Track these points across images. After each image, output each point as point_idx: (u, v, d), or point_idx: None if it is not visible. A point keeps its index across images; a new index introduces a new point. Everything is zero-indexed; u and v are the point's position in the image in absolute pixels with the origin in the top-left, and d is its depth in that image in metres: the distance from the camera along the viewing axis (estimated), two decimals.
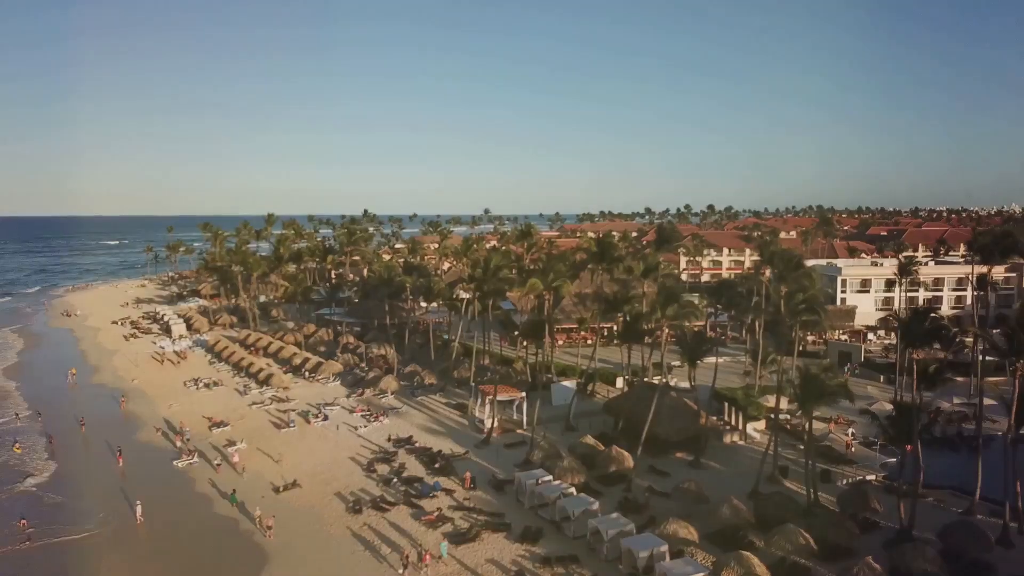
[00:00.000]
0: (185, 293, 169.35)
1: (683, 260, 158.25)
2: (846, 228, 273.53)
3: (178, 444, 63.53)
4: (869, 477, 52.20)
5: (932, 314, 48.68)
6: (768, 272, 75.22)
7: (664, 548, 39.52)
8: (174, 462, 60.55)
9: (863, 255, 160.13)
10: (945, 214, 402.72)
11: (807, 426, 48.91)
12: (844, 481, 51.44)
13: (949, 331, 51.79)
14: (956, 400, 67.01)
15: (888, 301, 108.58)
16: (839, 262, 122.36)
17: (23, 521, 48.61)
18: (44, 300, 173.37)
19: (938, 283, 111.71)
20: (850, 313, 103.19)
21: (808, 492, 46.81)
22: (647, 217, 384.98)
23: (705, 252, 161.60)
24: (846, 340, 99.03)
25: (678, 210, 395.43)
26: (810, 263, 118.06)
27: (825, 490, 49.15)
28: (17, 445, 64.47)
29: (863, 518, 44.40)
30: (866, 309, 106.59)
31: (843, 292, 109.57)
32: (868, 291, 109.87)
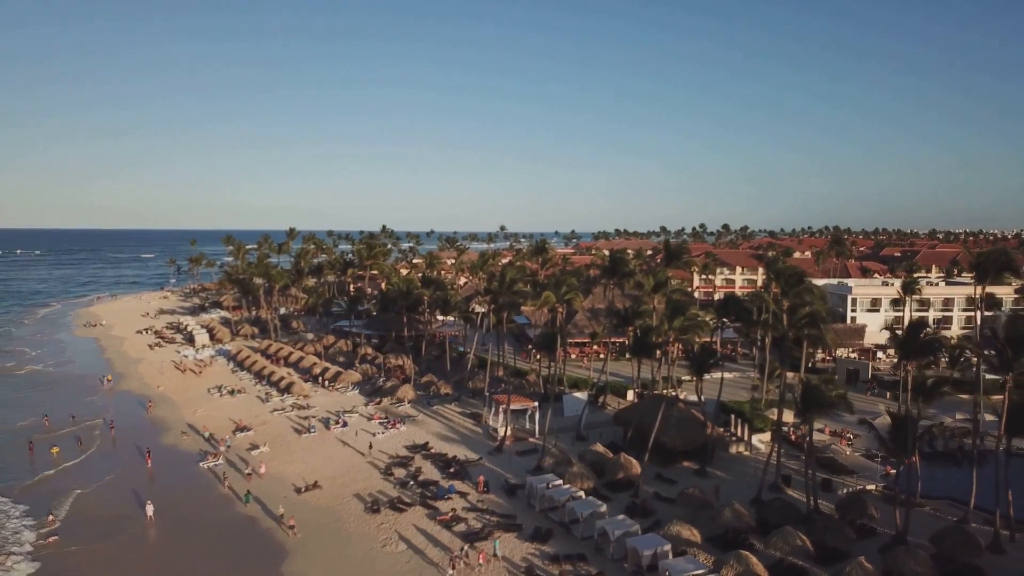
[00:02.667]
0: (207, 305, 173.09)
1: (696, 278, 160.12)
2: (862, 249, 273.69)
3: (221, 448, 66.19)
4: (869, 487, 53.78)
5: (927, 328, 50.38)
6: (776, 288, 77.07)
7: (667, 547, 41.49)
8: (200, 463, 63.26)
9: (876, 275, 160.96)
10: (963, 236, 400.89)
11: (808, 436, 50.69)
12: (844, 490, 53.05)
13: (942, 345, 53.46)
14: (959, 416, 68.44)
15: (898, 320, 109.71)
16: (850, 281, 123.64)
17: (51, 516, 51.65)
18: (71, 311, 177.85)
19: (948, 303, 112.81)
20: (859, 331, 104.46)
21: (808, 499, 48.54)
22: (662, 236, 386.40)
23: (718, 271, 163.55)
24: (855, 358, 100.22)
25: (693, 229, 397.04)
26: (820, 282, 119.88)
27: (826, 499, 50.82)
28: (55, 447, 67.01)
29: (861, 524, 46.07)
30: (876, 328, 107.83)
31: (853, 311, 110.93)
32: (878, 310, 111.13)
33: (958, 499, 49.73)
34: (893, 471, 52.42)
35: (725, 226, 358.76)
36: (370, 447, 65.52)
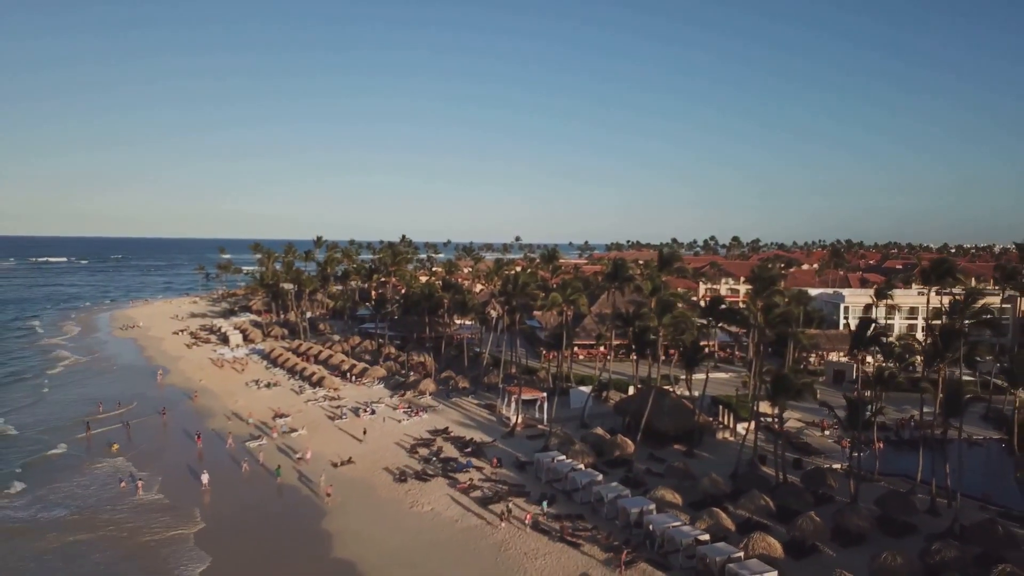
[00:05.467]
0: (236, 309, 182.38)
1: (702, 287, 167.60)
2: (871, 262, 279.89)
3: (275, 435, 73.94)
4: (835, 466, 61.04)
5: (874, 325, 58.00)
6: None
7: (652, 507, 49.25)
8: (246, 443, 71.56)
9: (875, 286, 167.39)
10: (973, 250, 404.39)
11: (779, 417, 58.25)
12: (811, 467, 60.41)
13: (887, 338, 61.00)
14: (927, 409, 75.29)
15: (888, 327, 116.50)
16: (845, 291, 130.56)
17: (123, 483, 60.56)
18: (109, 314, 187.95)
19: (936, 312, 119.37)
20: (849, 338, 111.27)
21: (777, 474, 56.01)
22: (674, 248, 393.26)
23: (723, 280, 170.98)
24: (846, 361, 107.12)
25: (704, 242, 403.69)
26: (816, 291, 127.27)
27: (795, 475, 58.22)
28: (115, 445, 71.76)
29: (821, 493, 53.50)
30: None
31: (845, 318, 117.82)
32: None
33: (909, 475, 57.03)
34: (850, 448, 59.85)
35: (735, 238, 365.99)
36: (364, 432, 72.75)
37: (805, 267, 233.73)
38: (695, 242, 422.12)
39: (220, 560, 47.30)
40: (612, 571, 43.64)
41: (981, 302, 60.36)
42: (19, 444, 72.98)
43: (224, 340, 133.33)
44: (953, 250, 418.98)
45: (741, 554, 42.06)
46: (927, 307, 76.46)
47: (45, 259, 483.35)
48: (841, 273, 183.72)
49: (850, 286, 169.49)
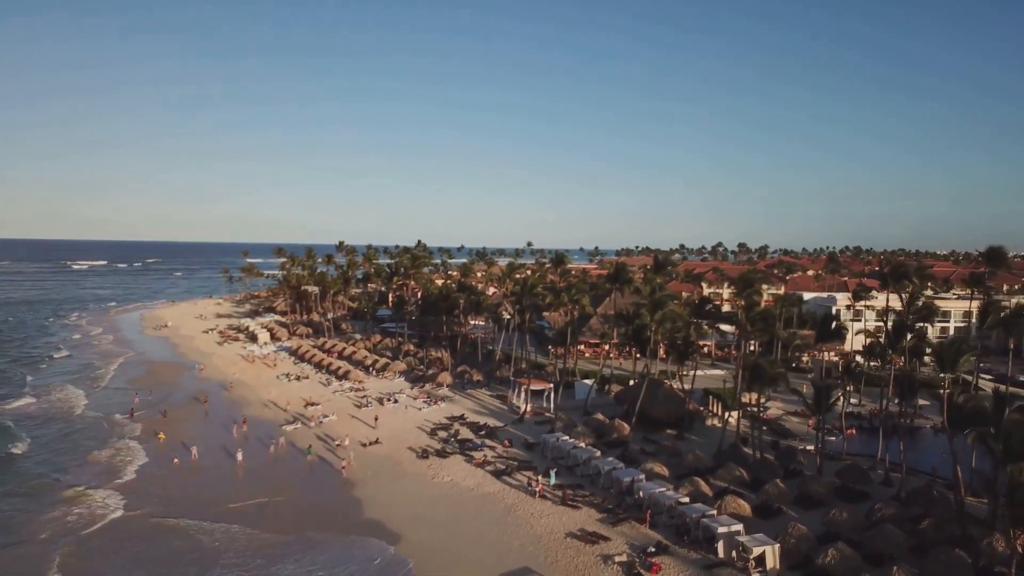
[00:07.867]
0: (261, 310, 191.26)
1: (707, 290, 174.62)
2: (875, 268, 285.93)
3: (312, 424, 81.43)
4: (809, 448, 68.49)
5: (835, 321, 65.69)
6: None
7: (642, 476, 56.91)
8: (283, 427, 79.77)
9: (872, 291, 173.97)
10: (979, 256, 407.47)
11: (760, 405, 65.81)
12: (785, 447, 67.90)
13: (845, 332, 68.61)
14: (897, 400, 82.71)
15: (880, 328, 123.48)
16: (839, 295, 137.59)
17: (176, 461, 68.47)
18: (139, 314, 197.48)
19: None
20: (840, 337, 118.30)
21: (754, 452, 63.55)
22: (682, 253, 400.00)
23: (726, 284, 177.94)
24: (837, 360, 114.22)
25: (712, 247, 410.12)
26: (810, 295, 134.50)
27: (772, 454, 65.73)
28: (161, 434, 77.77)
29: (791, 468, 61.01)
30: (857, 335, 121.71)
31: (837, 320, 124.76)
32: (859, 320, 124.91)
33: (871, 455, 64.43)
34: (815, 428, 67.33)
35: (742, 244, 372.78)
36: (376, 419, 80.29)
37: (810, 272, 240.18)
38: (703, 248, 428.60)
39: (280, 520, 55.35)
40: (631, 527, 51.10)
41: (935, 301, 67.29)
42: (109, 426, 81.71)
43: (252, 338, 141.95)
44: (961, 256, 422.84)
45: (715, 512, 49.66)
46: (887, 305, 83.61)
47: (88, 263, 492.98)
48: (843, 278, 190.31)
49: (848, 291, 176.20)
